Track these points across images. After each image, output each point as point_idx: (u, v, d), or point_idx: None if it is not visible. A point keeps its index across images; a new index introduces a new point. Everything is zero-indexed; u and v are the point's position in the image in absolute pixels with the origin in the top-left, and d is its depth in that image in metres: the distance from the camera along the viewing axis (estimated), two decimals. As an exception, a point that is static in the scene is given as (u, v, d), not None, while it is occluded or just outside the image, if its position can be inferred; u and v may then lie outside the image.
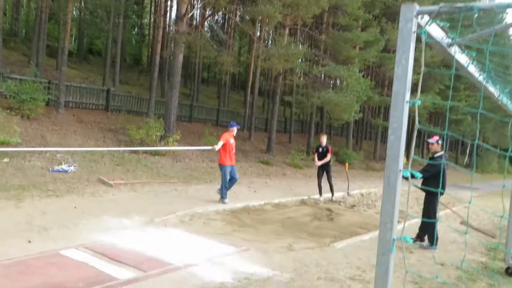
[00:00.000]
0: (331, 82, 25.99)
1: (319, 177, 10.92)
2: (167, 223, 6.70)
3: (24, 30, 27.27)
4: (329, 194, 10.97)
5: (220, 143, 8.46)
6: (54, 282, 3.99)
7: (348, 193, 12.12)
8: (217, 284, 4.23)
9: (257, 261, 5.08)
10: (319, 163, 10.74)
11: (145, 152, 13.31)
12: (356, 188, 13.32)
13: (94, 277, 4.20)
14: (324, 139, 11.03)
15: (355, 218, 8.67)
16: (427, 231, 6.51)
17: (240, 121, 23.41)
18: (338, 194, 11.73)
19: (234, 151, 8.86)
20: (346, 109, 18.01)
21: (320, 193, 10.88)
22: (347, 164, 13.80)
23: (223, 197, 8.69)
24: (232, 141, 8.75)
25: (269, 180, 14.11)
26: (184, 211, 7.48)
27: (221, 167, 8.74)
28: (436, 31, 1.98)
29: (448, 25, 1.93)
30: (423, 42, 1.82)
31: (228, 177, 8.67)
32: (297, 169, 17.86)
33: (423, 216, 6.50)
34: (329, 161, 10.89)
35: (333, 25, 21.96)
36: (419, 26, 1.80)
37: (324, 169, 10.91)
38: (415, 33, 1.78)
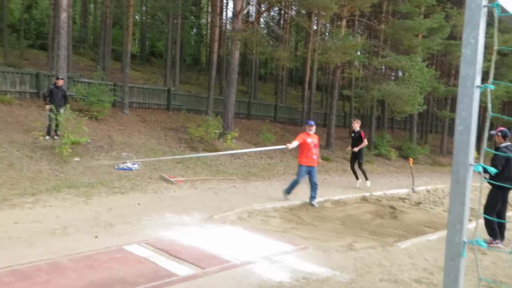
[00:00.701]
0: (392, 73, 24.94)
1: (351, 163, 11.56)
2: (226, 220, 6.74)
3: (92, 37, 28.94)
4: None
5: (294, 143, 8.25)
6: (118, 276, 4.13)
7: (412, 189, 11.55)
8: (274, 283, 4.15)
9: (316, 260, 4.94)
10: (356, 149, 11.16)
11: (205, 149, 13.58)
12: (422, 185, 12.66)
13: (155, 272, 4.29)
14: (355, 125, 11.41)
15: (421, 216, 8.20)
16: (487, 225, 6.02)
17: (298, 117, 23.21)
18: (402, 191, 11.20)
19: (314, 151, 8.47)
20: (409, 101, 17.17)
21: (356, 177, 11.44)
22: (411, 159, 13.15)
23: (287, 191, 8.59)
24: (309, 140, 8.40)
25: (329, 176, 13.81)
26: (243, 208, 7.49)
27: (298, 166, 8.66)
28: (510, 5, 1.72)
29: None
30: (496, 17, 1.59)
31: (301, 176, 8.42)
32: (358, 164, 17.35)
33: (484, 210, 6.02)
34: (362, 147, 11.25)
35: (393, 13, 21.01)
36: (490, -1, 1.58)
37: (356, 156, 11.33)
38: (486, 8, 1.55)
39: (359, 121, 11.73)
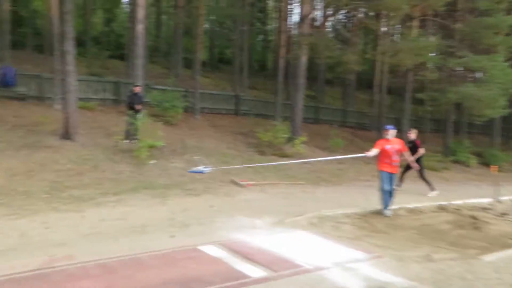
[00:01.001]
0: (470, 75, 23.39)
1: (405, 168, 11.35)
2: (296, 224, 6.71)
3: (164, 46, 30.42)
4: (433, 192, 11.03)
5: (374, 151, 7.94)
6: (193, 275, 4.27)
7: (496, 199, 10.71)
8: (349, 290, 4.06)
9: (392, 269, 4.75)
10: (412, 158, 10.55)
11: (274, 154, 13.66)
12: (507, 194, 11.69)
13: (228, 273, 4.38)
14: (412, 134, 11.24)
15: (507, 228, 7.56)
16: None
17: (367, 121, 22.59)
18: (484, 200, 10.43)
19: (395, 157, 8.02)
20: (490, 104, 16.01)
21: (399, 184, 11.04)
22: (495, 166, 12.22)
23: (385, 207, 7.98)
24: (388, 147, 8.01)
25: (403, 183, 13.25)
26: (313, 213, 7.42)
27: (378, 172, 8.29)
28: None
29: None
30: None
31: (386, 182, 7.93)
32: (434, 171, 16.39)
33: None
34: (420, 156, 10.96)
35: (470, 11, 19.74)
36: None
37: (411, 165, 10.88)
38: None
39: (415, 131, 11.51)
